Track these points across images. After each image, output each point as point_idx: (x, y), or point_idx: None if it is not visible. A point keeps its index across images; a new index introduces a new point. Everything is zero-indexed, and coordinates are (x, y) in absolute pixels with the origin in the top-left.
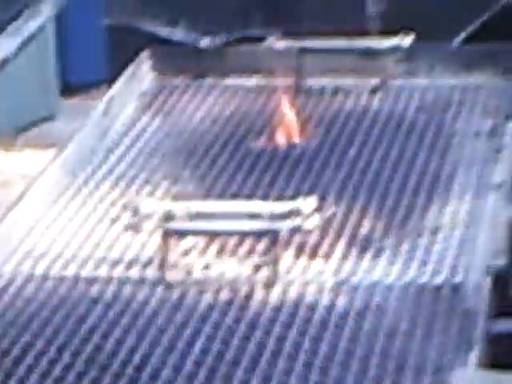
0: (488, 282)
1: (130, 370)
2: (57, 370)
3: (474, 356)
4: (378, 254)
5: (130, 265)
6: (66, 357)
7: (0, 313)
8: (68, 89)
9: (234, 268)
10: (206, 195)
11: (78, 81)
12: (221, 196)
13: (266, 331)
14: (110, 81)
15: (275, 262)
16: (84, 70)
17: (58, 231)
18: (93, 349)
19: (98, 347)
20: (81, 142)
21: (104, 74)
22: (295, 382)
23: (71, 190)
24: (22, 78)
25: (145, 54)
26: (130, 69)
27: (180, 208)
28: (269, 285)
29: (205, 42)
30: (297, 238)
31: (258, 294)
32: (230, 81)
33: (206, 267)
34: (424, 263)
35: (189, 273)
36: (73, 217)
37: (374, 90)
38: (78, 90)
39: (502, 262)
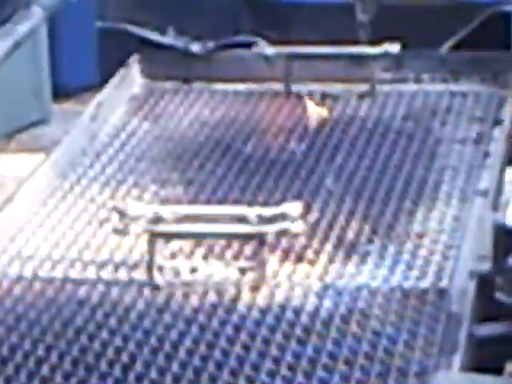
0: (472, 287)
1: (116, 371)
2: (44, 370)
3: (457, 359)
4: (363, 258)
5: (117, 267)
6: (54, 357)
7: None
8: (60, 93)
9: (220, 271)
10: (194, 199)
11: (70, 85)
12: (208, 200)
13: (252, 334)
14: (101, 85)
15: (262, 266)
16: (76, 74)
17: (46, 233)
18: (80, 350)
19: (84, 348)
20: (70, 145)
21: (96, 78)
22: (282, 376)
23: (60, 192)
24: (15, 82)
25: (134, 59)
26: (120, 73)
27: (168, 211)
28: (255, 288)
29: (194, 47)
30: (283, 242)
31: (245, 297)
32: (219, 86)
33: (193, 270)
34: (410, 267)
35: (176, 275)
36: (62, 218)
37: (361, 97)
38: (70, 94)
39: (486, 266)
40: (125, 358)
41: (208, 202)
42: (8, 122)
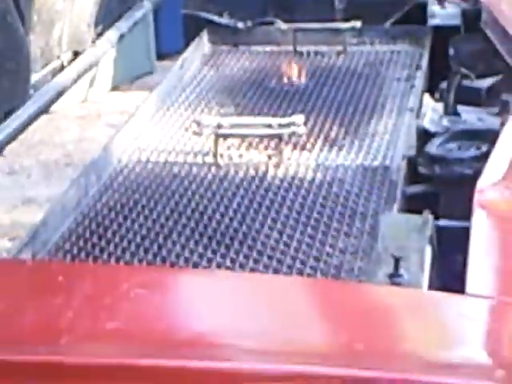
0: (404, 164)
1: (196, 215)
2: (154, 215)
3: (396, 207)
4: (340, 148)
5: (196, 154)
6: (159, 207)
7: (120, 183)
8: (160, 54)
9: (256, 156)
10: (241, 113)
11: (167, 49)
12: (249, 114)
13: (275, 193)
14: (185, 49)
15: (280, 153)
16: (170, 42)
17: (154, 135)
18: (175, 204)
19: (177, 202)
20: (167, 84)
21: (181, 45)
22: (293, 217)
23: (162, 111)
24: (133, 48)
25: (204, 32)
26: (195, 41)
27: (225, 121)
28: (277, 166)
29: (240, 25)
30: (293, 139)
31: (270, 172)
32: (254, 48)
33: (240, 156)
34: (367, 153)
35: (230, 159)
36: (163, 127)
37: (338, 53)
38: (166, 55)
39: (412, 152)
40: (201, 207)
41: (249, 115)
42: (130, 72)
